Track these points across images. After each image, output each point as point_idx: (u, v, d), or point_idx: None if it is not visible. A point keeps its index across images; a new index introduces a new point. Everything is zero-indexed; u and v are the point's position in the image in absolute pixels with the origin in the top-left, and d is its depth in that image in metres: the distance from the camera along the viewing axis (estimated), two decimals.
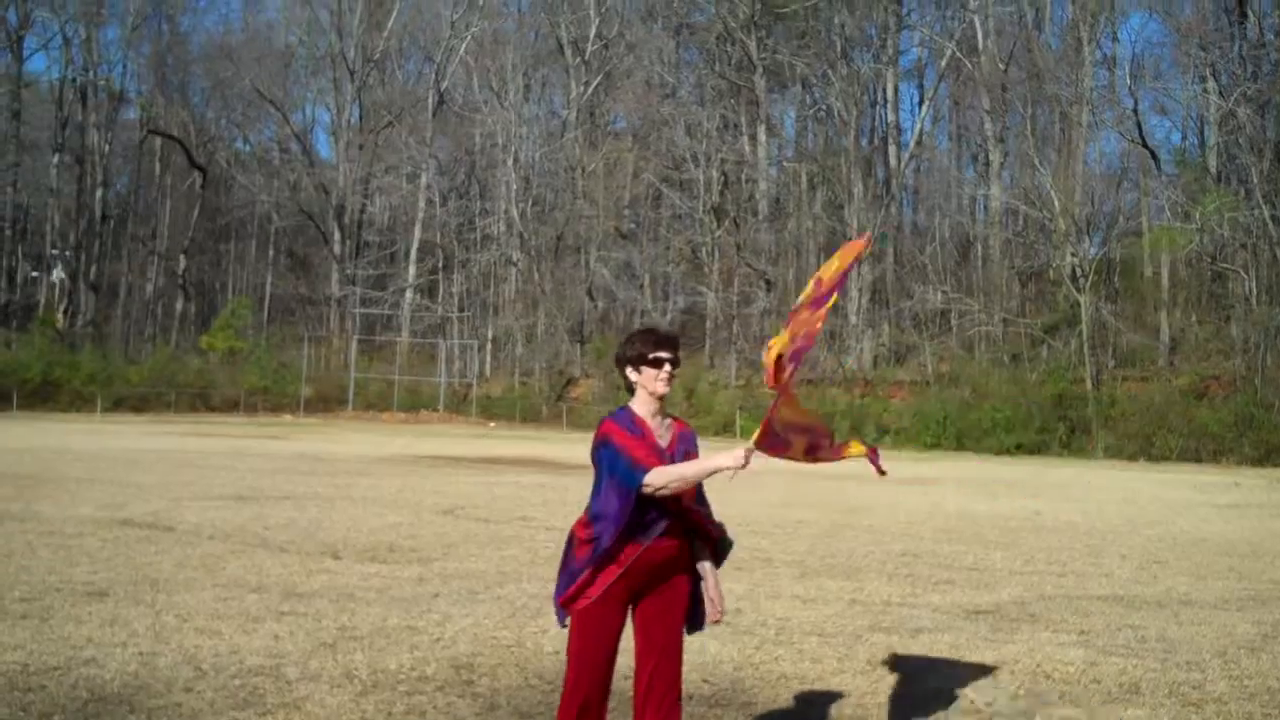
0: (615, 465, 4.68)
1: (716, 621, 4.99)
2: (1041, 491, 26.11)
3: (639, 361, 4.84)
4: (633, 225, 77.79)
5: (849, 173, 67.64)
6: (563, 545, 4.90)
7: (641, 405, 4.85)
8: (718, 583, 4.96)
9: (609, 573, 4.71)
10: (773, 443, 4.76)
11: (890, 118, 74.23)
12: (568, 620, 4.80)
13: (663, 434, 4.84)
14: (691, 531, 4.87)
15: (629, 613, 4.82)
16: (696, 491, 4.87)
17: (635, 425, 4.79)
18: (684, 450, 4.84)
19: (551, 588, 5.02)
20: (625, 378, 4.92)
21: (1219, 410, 47.72)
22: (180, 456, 27.43)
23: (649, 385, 4.83)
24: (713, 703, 6.64)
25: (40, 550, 11.38)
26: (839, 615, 9.37)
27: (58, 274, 74.98)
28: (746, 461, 4.60)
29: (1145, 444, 47.38)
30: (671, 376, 4.86)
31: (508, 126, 73.17)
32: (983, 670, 7.53)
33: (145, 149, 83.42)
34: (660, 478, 4.62)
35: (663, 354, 4.84)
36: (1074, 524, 18.24)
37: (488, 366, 74.57)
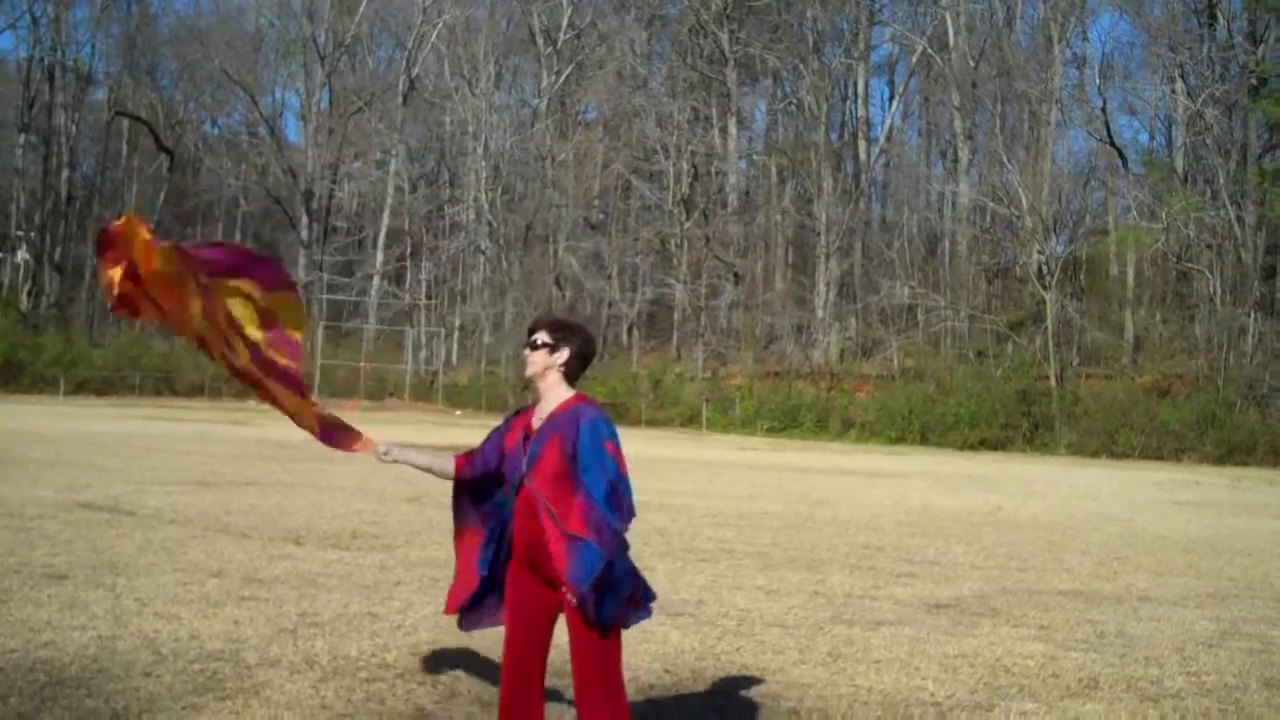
0: None
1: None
2: (1004, 486, 26.28)
3: None
4: (602, 215, 77.78)
5: (818, 167, 67.86)
6: None
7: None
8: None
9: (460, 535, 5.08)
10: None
11: (860, 112, 74.51)
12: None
13: (540, 418, 4.67)
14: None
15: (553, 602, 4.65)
16: (570, 482, 4.45)
17: (509, 419, 4.88)
18: (549, 433, 4.55)
19: None
20: None
21: (1181, 409, 48.16)
22: (143, 440, 27.25)
23: None
24: (674, 693, 6.64)
25: None
26: (801, 607, 9.40)
27: (22, 255, 74.18)
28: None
29: (1108, 441, 47.82)
30: (533, 358, 4.68)
31: (478, 114, 72.91)
32: (943, 663, 7.57)
33: (113, 130, 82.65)
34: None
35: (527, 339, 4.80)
36: (1036, 519, 18.36)
37: (454, 355, 74.38)
